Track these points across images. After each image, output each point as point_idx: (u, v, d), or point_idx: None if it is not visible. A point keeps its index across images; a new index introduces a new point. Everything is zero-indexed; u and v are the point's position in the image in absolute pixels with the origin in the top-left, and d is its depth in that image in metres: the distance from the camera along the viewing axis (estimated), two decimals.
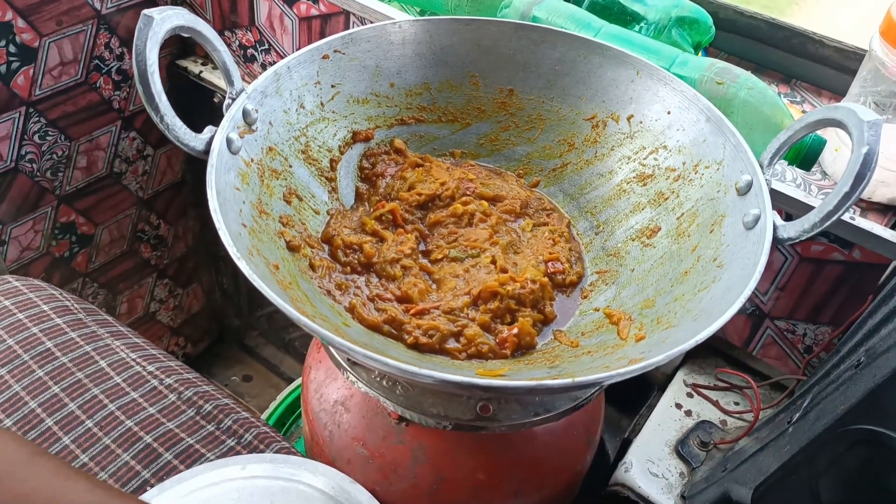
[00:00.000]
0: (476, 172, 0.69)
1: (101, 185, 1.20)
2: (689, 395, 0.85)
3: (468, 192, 0.66)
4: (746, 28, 0.98)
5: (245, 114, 0.58)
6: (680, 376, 0.87)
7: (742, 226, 0.55)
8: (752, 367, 0.87)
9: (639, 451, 0.79)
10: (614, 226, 0.67)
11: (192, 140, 0.54)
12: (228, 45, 1.01)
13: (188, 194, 1.35)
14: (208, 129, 0.55)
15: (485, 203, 0.66)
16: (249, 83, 0.62)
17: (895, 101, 0.80)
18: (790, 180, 0.80)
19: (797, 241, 0.52)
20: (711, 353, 0.89)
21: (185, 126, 0.54)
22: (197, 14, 0.77)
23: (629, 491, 0.76)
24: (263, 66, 1.05)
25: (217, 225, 0.48)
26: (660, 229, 0.63)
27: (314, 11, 0.93)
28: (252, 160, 0.59)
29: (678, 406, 0.84)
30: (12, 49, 0.97)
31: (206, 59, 1.17)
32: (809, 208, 0.62)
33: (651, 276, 0.60)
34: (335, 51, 0.66)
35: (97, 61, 1.08)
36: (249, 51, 1.05)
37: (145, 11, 0.51)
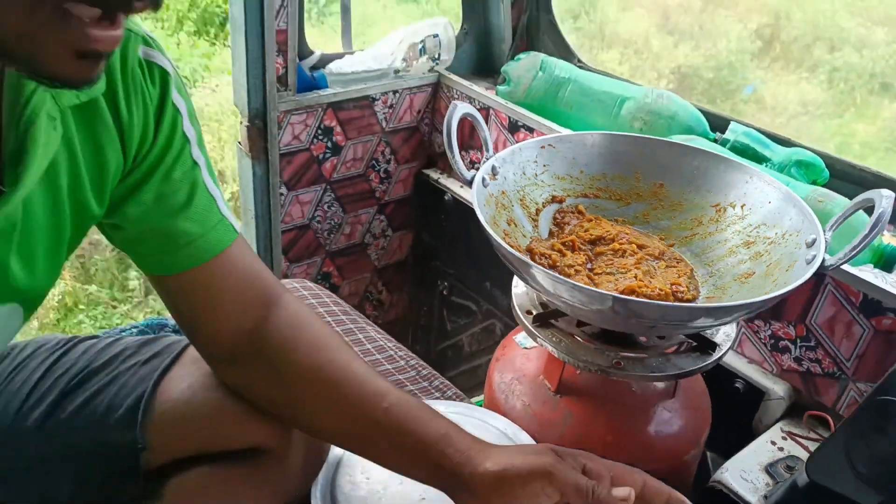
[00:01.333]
0: (630, 230, 1.04)
1: (354, 250, 1.66)
2: (784, 439, 1.07)
3: (623, 239, 1.00)
4: (858, 177, 1.26)
5: (493, 168, 0.98)
6: (778, 426, 1.10)
7: (805, 262, 0.84)
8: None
9: (736, 464, 1.02)
10: (723, 273, 0.97)
11: (466, 173, 0.94)
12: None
13: (408, 273, 1.78)
14: (473, 172, 0.95)
15: (634, 245, 0.99)
16: (496, 154, 1.02)
17: None
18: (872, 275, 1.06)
19: (836, 265, 0.80)
20: (805, 411, 1.11)
21: (462, 163, 0.94)
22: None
23: (724, 487, 0.99)
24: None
25: (479, 214, 0.86)
26: (754, 273, 0.93)
27: (525, 136, 1.36)
28: (492, 194, 0.97)
29: (773, 443, 1.06)
30: (329, 144, 1.48)
31: (443, 170, 1.63)
32: (883, 291, 0.90)
33: (742, 298, 0.90)
34: (550, 145, 1.05)
35: (374, 162, 1.57)
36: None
37: (454, 102, 0.94)
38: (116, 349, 0.83)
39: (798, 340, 1.09)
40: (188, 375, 0.78)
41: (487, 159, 0.99)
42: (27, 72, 0.49)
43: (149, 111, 0.65)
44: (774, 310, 1.11)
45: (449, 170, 1.61)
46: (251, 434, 0.76)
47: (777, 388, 1.12)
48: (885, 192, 0.80)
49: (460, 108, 0.95)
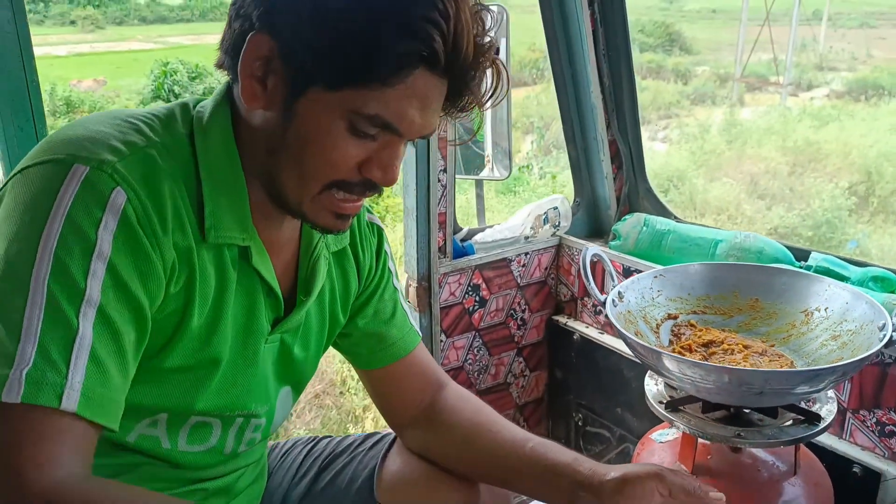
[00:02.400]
0: (735, 335, 1.30)
1: (498, 389, 1.94)
2: None
3: (731, 342, 1.26)
4: None
5: (619, 293, 1.29)
6: None
7: (878, 340, 1.08)
8: None
9: None
10: (819, 361, 1.20)
11: (600, 296, 1.25)
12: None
13: (545, 408, 2.04)
14: (606, 295, 1.26)
15: (741, 345, 1.25)
16: (619, 283, 1.33)
17: None
18: None
19: None
20: None
21: (597, 290, 1.26)
22: None
23: None
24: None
25: (615, 324, 1.16)
26: (842, 358, 1.16)
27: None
28: (621, 313, 1.27)
29: None
30: (476, 298, 1.83)
31: (570, 315, 1.94)
32: None
33: None
34: (661, 275, 1.36)
35: (512, 311, 1.90)
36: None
37: (586, 246, 1.28)
38: (350, 440, 1.15)
39: None
40: (403, 453, 1.08)
41: (614, 287, 1.30)
42: (305, 222, 0.84)
43: (372, 253, 1.02)
44: (874, 399, 1.30)
45: (576, 314, 1.92)
46: (452, 489, 1.03)
47: (891, 469, 1.28)
48: None
49: (591, 249, 1.28)
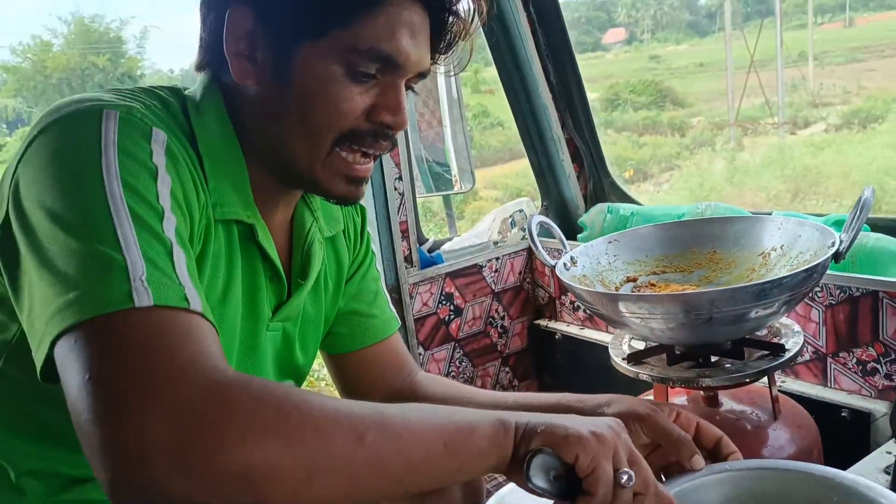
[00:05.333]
0: (696, 287, 1.27)
1: None
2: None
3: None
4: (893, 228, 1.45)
5: (571, 258, 1.27)
6: (892, 441, 1.19)
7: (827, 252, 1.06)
8: None
9: (855, 471, 1.12)
10: None
11: (549, 261, 1.24)
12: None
13: None
14: (557, 261, 1.25)
15: None
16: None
17: None
18: None
19: (848, 244, 1.01)
20: None
21: (546, 255, 1.24)
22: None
23: None
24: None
25: (566, 283, 1.14)
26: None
27: None
28: (575, 276, 1.25)
29: (889, 452, 1.15)
30: (451, 307, 1.81)
31: (550, 317, 1.91)
32: None
33: None
34: (615, 240, 1.34)
35: (490, 319, 1.88)
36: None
37: (531, 215, 1.27)
38: None
39: (881, 358, 1.23)
40: None
41: (565, 253, 1.29)
42: (317, 193, 0.82)
43: (357, 231, 1.02)
44: (850, 338, 1.26)
45: (556, 315, 1.89)
46: None
47: (879, 408, 1.23)
48: (869, 188, 1.04)
49: (536, 218, 1.28)
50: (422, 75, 0.80)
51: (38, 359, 0.58)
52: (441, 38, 0.81)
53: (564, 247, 1.31)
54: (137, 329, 0.56)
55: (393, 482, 0.59)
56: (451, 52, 0.83)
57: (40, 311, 0.58)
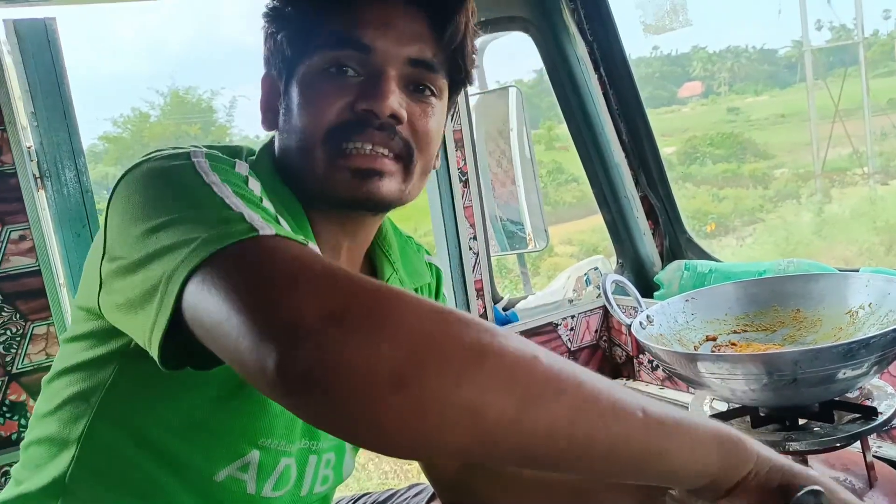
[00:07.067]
0: (780, 347, 1.23)
1: None
2: None
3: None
4: None
5: (647, 316, 1.26)
6: None
7: None
8: None
9: None
10: None
11: (625, 320, 1.23)
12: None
13: None
14: (633, 319, 1.24)
15: None
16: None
17: None
18: None
19: None
20: None
21: (621, 313, 1.24)
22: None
23: None
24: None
25: (643, 343, 1.13)
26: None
27: None
28: (652, 335, 1.24)
29: None
30: None
31: (628, 377, 1.87)
32: None
33: None
34: (692, 298, 1.32)
35: None
36: None
37: (605, 274, 1.27)
38: (393, 493, 1.14)
39: None
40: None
41: (641, 311, 1.28)
42: (330, 199, 0.79)
43: (432, 291, 1.04)
44: None
45: (634, 374, 1.85)
46: None
47: None
48: None
49: (610, 277, 1.28)
50: (417, 64, 0.79)
51: (159, 330, 0.57)
52: (443, 27, 0.79)
53: (640, 305, 1.30)
54: (270, 243, 0.56)
55: (596, 459, 0.54)
56: (458, 38, 0.80)
57: (159, 270, 0.58)
